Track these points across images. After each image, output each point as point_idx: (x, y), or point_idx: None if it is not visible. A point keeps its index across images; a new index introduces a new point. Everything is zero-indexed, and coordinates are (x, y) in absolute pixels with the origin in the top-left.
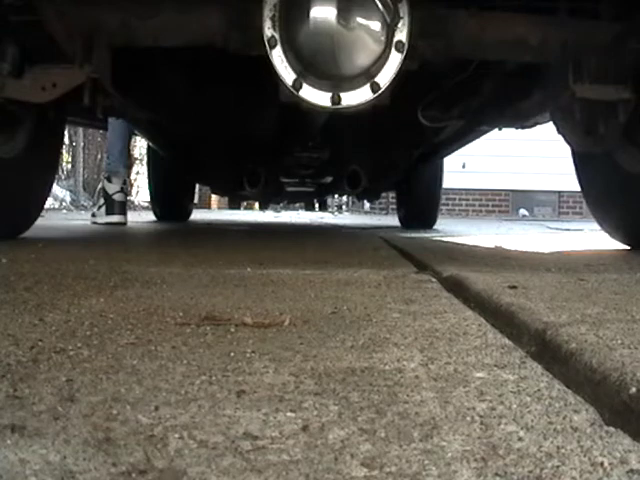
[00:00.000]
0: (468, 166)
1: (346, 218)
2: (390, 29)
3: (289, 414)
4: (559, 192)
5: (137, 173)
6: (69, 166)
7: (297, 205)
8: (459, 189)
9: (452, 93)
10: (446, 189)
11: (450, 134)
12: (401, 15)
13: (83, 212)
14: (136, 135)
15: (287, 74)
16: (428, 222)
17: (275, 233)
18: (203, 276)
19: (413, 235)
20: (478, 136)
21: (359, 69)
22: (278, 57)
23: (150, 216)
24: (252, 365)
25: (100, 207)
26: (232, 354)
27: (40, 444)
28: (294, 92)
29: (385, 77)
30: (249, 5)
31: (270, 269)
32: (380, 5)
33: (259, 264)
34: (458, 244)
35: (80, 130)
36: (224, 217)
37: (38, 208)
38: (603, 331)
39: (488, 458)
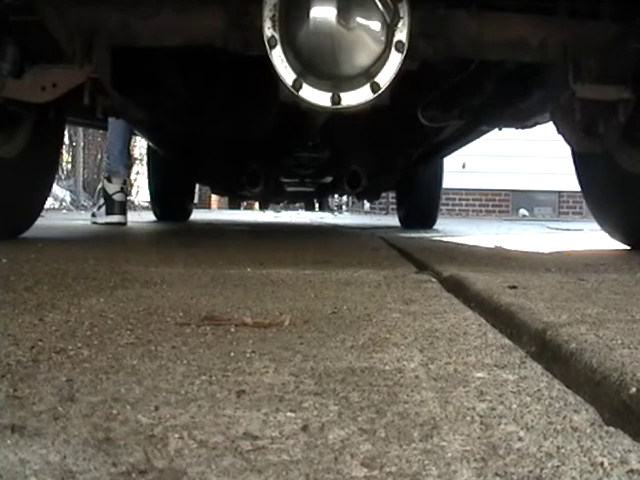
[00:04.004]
0: (468, 166)
1: (346, 218)
2: (390, 29)
3: (289, 414)
4: (559, 192)
5: (137, 173)
6: (69, 166)
7: (297, 205)
8: (459, 189)
9: (452, 93)
10: (446, 189)
11: (450, 134)
12: (401, 15)
13: (83, 212)
14: (136, 135)
15: (287, 74)
16: (428, 222)
17: (275, 233)
18: (203, 276)
19: (413, 235)
20: (478, 136)
21: (359, 69)
22: (278, 57)
23: (150, 216)
24: (252, 365)
25: (100, 207)
26: (232, 354)
27: (40, 444)
28: (294, 92)
29: (385, 77)
30: (249, 5)
31: (270, 269)
32: (380, 5)
33: (259, 264)
34: (458, 244)
35: (80, 130)
36: (224, 217)
37: (38, 208)
38: (603, 331)
39: (488, 458)
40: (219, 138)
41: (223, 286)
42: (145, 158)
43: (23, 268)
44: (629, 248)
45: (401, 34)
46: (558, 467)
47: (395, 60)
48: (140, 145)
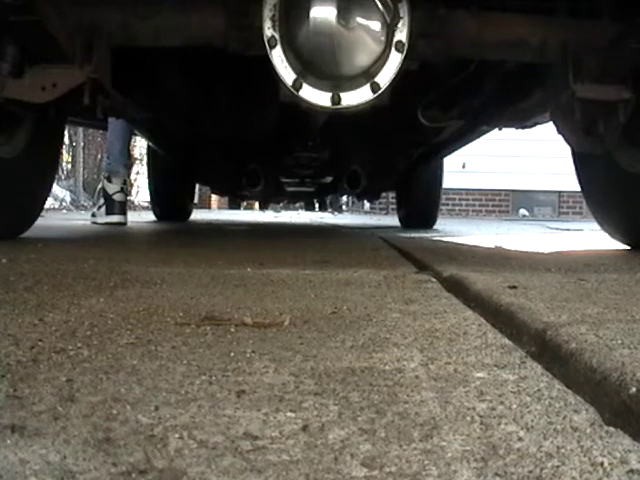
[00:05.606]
0: (468, 166)
1: (346, 218)
2: (390, 29)
3: (289, 414)
4: (559, 192)
5: (137, 173)
6: (69, 166)
7: (297, 205)
8: (459, 189)
9: (452, 93)
10: (446, 189)
11: (450, 134)
12: (401, 15)
13: (83, 212)
14: (136, 135)
15: (287, 74)
16: (428, 222)
17: (275, 233)
18: (203, 276)
19: (413, 235)
20: (478, 136)
21: (359, 69)
22: (278, 57)
23: (150, 216)
24: (252, 365)
25: (100, 207)
26: (232, 354)
27: (40, 444)
28: (294, 92)
29: (385, 77)
30: (249, 5)
31: (270, 269)
32: (380, 5)
33: (259, 264)
34: (458, 244)
35: (80, 130)
36: (224, 217)
37: (38, 208)
38: (603, 331)
39: (488, 458)
40: (219, 138)
41: (223, 286)
42: (145, 158)
43: (23, 268)
44: (629, 248)
45: (401, 34)
46: (558, 467)
47: (395, 60)
48: (140, 145)
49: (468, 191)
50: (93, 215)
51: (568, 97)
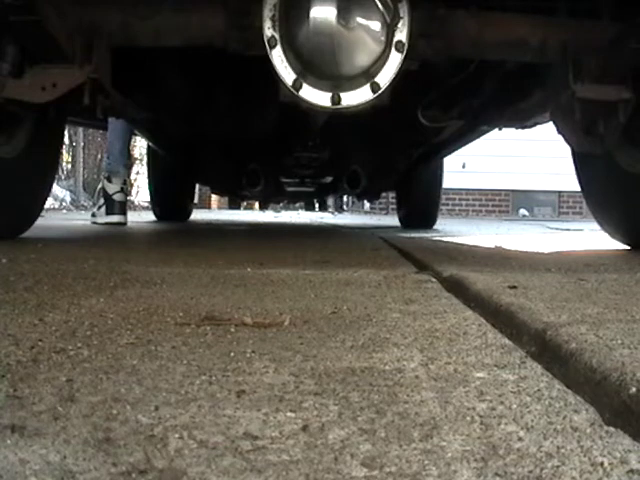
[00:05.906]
0: (468, 166)
1: (346, 218)
2: (390, 29)
3: (289, 414)
4: (559, 192)
5: (137, 173)
6: (69, 166)
7: (297, 205)
8: (459, 189)
9: (452, 93)
10: (446, 189)
11: (450, 134)
12: (401, 15)
13: (83, 212)
14: (136, 135)
15: (287, 74)
16: (428, 222)
17: (275, 233)
18: (203, 276)
19: (413, 235)
20: (478, 136)
21: (359, 69)
22: (278, 57)
23: (150, 216)
24: (252, 365)
25: (100, 207)
26: (232, 354)
27: (40, 444)
28: (294, 92)
29: (385, 77)
30: (249, 5)
31: (270, 269)
32: (380, 5)
33: (259, 264)
34: (458, 244)
35: (80, 130)
36: (224, 217)
37: (38, 208)
38: (603, 331)
39: (488, 458)
40: (219, 138)
41: (223, 286)
42: (145, 158)
43: (23, 268)
44: (629, 248)
45: (401, 34)
46: (558, 467)
47: (395, 60)
48: (140, 145)
49: (468, 191)
50: (93, 215)
51: (568, 97)
